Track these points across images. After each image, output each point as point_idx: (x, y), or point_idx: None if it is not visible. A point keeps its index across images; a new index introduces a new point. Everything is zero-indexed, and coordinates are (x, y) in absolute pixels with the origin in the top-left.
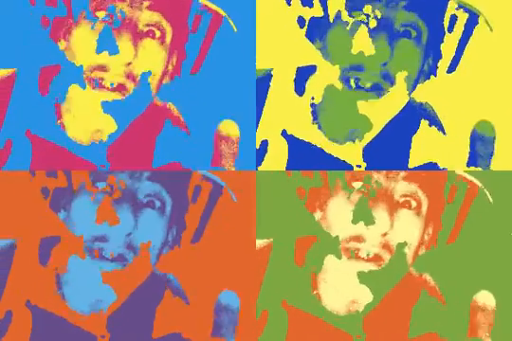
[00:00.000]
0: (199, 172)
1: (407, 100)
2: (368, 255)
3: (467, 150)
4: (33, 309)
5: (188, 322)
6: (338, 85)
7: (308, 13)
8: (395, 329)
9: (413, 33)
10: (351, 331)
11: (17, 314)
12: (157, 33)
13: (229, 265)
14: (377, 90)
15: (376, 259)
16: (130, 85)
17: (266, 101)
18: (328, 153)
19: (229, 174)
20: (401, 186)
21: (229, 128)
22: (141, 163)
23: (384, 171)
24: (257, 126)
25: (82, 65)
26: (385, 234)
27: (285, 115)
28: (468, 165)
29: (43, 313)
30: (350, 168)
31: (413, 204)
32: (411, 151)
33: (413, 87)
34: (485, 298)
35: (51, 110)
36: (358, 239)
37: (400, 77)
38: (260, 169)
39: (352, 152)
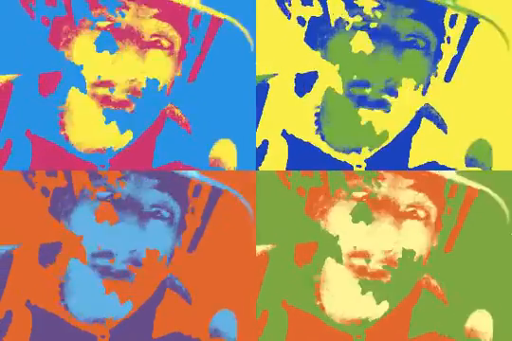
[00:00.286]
0: (196, 178)
1: (417, 109)
2: (373, 270)
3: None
4: (33, 309)
5: (188, 322)
6: (342, 97)
7: (308, 13)
8: (395, 329)
9: (421, 43)
10: (351, 331)
11: (17, 314)
12: (165, 43)
13: (229, 265)
14: (384, 105)
15: (381, 274)
16: (133, 100)
17: (266, 101)
18: (328, 154)
19: (230, 174)
20: (407, 195)
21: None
22: (141, 163)
23: (388, 179)
24: (257, 126)
25: (85, 77)
26: (391, 249)
27: (285, 115)
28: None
29: (43, 313)
30: (350, 168)
31: (421, 214)
32: (411, 151)
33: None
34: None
35: (52, 110)
36: (363, 254)
37: (407, 87)
38: (260, 169)
39: (352, 153)
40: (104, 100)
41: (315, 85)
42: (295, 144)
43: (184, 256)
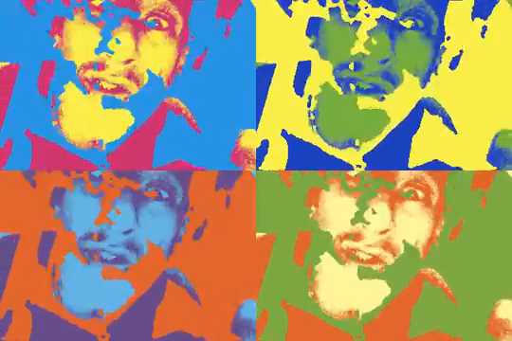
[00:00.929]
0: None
1: (417, 101)
2: (366, 256)
3: (479, 148)
4: (33, 309)
5: (189, 321)
6: (335, 87)
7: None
8: (396, 328)
9: (420, 23)
10: (351, 331)
11: (17, 314)
12: (164, 23)
13: (229, 265)
14: (377, 92)
15: (376, 260)
16: (132, 87)
17: (266, 101)
18: (328, 153)
19: (230, 174)
20: (404, 173)
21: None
22: (142, 162)
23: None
24: (257, 126)
25: (75, 63)
26: (385, 231)
27: (285, 115)
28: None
29: (43, 313)
30: (350, 168)
31: (420, 194)
32: (411, 150)
33: (423, 86)
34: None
35: (50, 110)
36: (355, 237)
37: (406, 75)
38: (260, 169)
39: (352, 153)
40: (95, 86)
41: (309, 77)
42: (295, 144)
43: (188, 244)
